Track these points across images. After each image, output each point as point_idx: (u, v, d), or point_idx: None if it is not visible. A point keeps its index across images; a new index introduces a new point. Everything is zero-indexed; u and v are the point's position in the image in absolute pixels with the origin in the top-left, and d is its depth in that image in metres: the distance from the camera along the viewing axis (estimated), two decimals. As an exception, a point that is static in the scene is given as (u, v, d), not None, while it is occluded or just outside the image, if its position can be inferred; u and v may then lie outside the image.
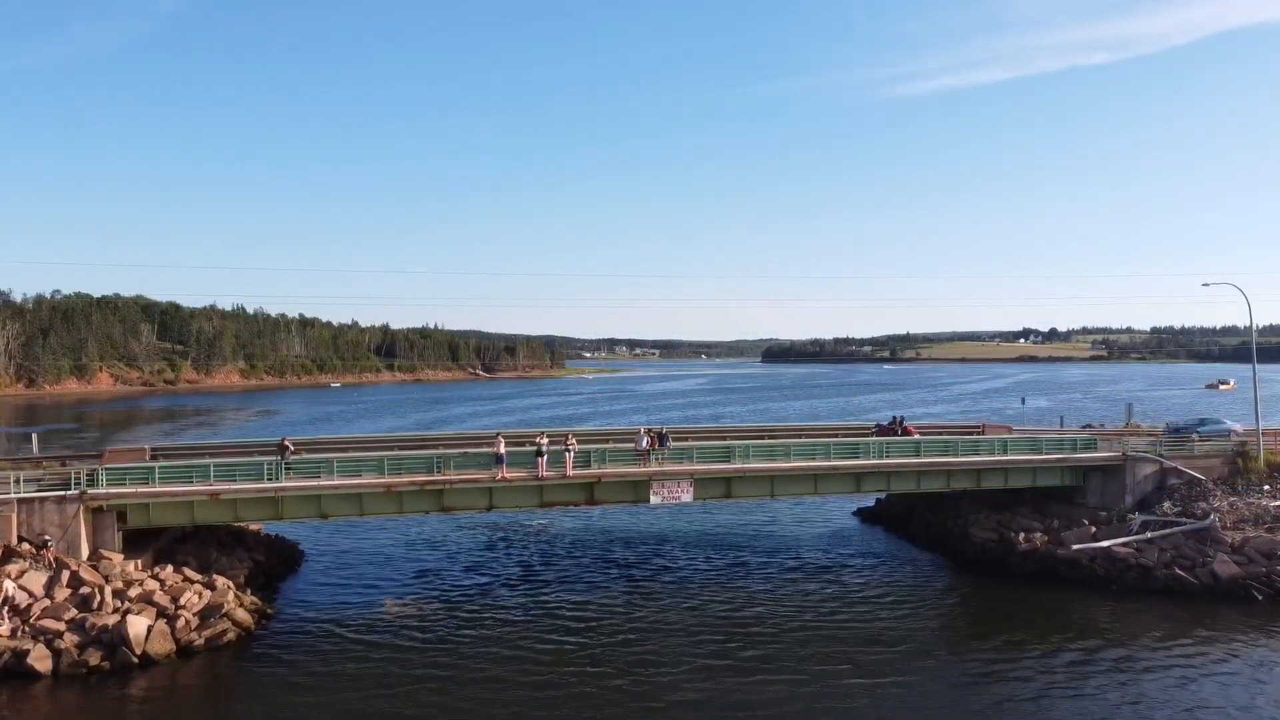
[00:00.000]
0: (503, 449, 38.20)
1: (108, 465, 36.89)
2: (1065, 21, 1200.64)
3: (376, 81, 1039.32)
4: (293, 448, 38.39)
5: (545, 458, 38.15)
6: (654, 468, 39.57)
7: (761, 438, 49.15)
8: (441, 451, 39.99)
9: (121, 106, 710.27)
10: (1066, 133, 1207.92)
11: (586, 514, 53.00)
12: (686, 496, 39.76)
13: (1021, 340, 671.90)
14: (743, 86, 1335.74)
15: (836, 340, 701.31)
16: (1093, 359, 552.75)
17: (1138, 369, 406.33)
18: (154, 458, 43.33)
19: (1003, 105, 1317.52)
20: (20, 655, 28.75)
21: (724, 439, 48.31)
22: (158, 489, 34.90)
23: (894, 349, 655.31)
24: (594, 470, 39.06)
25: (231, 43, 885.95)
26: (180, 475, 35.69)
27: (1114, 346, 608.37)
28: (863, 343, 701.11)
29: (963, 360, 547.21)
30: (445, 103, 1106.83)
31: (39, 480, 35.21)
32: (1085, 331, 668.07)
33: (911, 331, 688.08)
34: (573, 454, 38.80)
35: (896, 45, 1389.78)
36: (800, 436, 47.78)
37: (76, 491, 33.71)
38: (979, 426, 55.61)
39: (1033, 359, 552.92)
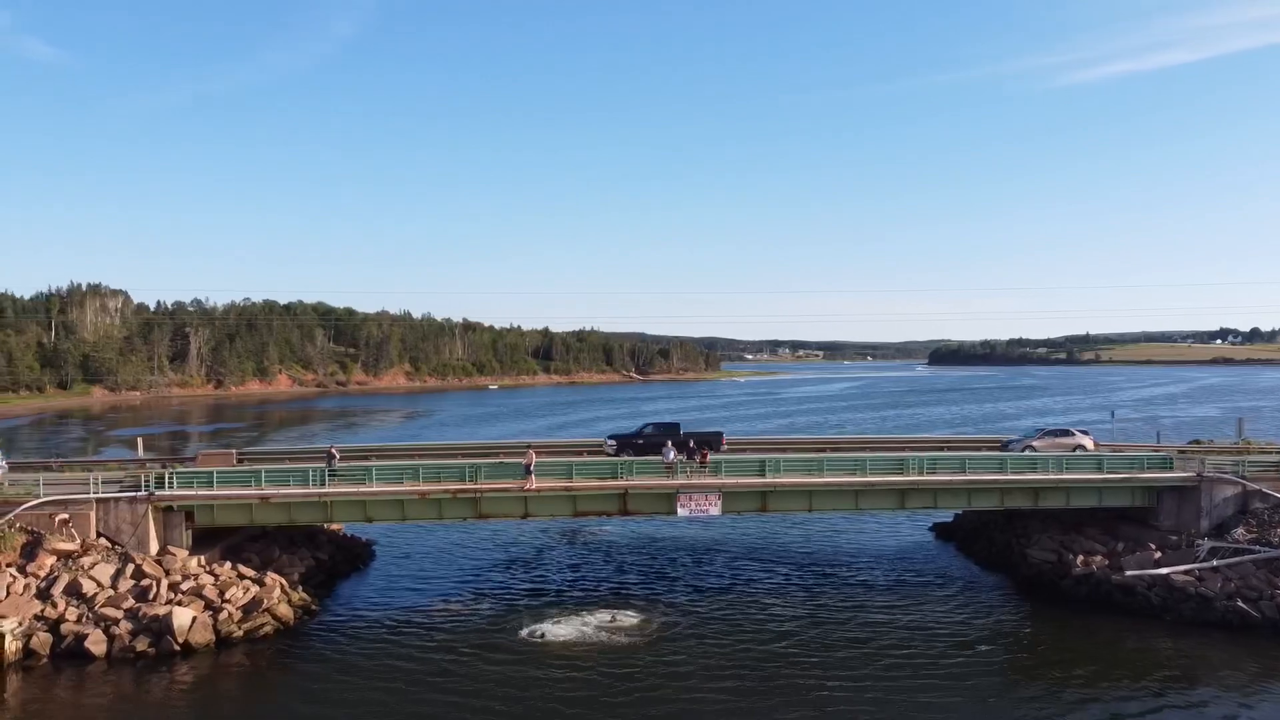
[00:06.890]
0: (532, 460, 39.53)
1: (178, 469, 40.68)
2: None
3: (543, 92, 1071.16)
4: (338, 455, 41.08)
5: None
6: (680, 480, 39.90)
7: (802, 450, 48.42)
8: (474, 461, 41.76)
9: (305, 125, 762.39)
10: (1269, 114, 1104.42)
11: (651, 522, 53.57)
12: (715, 510, 39.91)
13: (1218, 341, 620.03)
14: (903, 80, 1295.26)
15: (1010, 341, 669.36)
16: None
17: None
18: (240, 461, 47.33)
19: (1189, 89, 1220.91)
20: (80, 638, 32.48)
21: (771, 450, 47.90)
22: (216, 492, 38.26)
23: (1071, 350, 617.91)
24: (621, 481, 39.88)
25: (406, 60, 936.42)
26: (237, 479, 38.94)
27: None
28: (1038, 344, 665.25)
29: (1147, 362, 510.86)
30: (610, 105, 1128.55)
31: (119, 482, 39.27)
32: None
33: (1092, 332, 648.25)
34: None
35: (1062, 32, 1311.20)
36: (839, 449, 46.91)
37: (145, 493, 37.47)
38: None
39: (1228, 361, 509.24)
